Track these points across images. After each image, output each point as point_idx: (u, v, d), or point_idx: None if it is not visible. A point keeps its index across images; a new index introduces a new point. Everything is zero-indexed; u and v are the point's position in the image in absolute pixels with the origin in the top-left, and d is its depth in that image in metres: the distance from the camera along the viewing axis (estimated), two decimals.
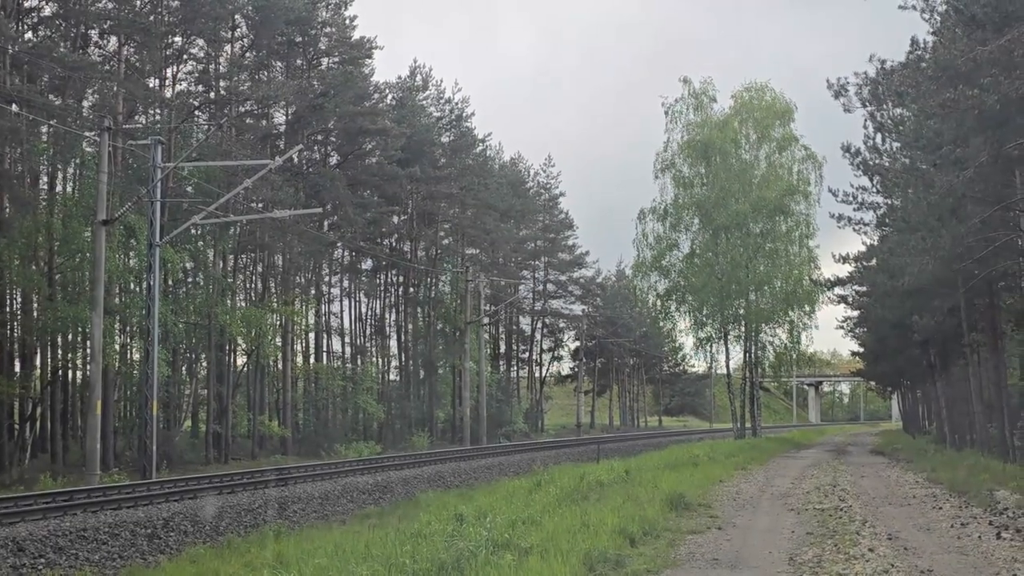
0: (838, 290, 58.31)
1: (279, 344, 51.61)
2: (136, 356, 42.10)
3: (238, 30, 48.80)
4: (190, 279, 47.40)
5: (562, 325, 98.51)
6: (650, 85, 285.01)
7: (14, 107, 33.95)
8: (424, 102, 68.01)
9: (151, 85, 43.66)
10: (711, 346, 57.39)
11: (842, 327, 73.30)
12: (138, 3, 40.75)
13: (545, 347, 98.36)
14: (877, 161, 40.24)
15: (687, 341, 75.21)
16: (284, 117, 52.23)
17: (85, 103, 40.72)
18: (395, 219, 65.58)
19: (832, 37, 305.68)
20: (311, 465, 34.46)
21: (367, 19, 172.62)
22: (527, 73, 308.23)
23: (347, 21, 55.17)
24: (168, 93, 44.45)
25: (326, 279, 61.59)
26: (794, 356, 58.43)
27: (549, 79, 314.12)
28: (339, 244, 58.17)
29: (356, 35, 55.65)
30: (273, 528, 21.17)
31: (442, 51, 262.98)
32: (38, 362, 39.61)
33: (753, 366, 57.40)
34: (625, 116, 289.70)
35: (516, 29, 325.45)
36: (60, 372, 40.61)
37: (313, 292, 58.03)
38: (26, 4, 37.51)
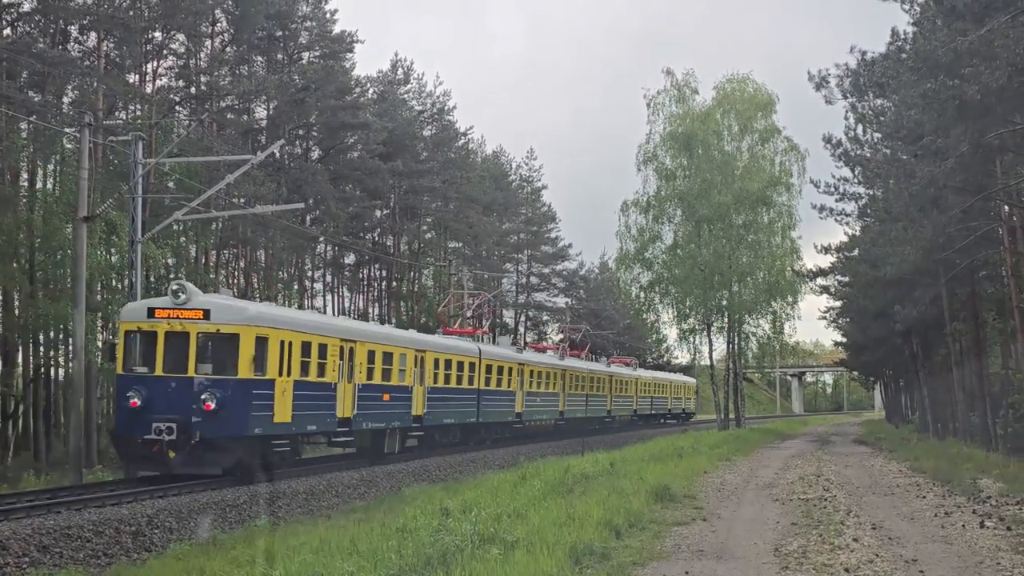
0: (820, 280, 58.81)
1: None
2: None
3: (218, 25, 48.58)
4: (172, 275, 47.13)
5: (545, 318, 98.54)
6: (634, 77, 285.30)
7: None
8: (406, 96, 67.86)
9: (131, 81, 43.41)
10: (694, 338, 57.57)
11: (825, 317, 74.00)
12: None
13: (529, 340, 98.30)
14: (858, 152, 40.44)
15: (671, 333, 75.50)
16: (265, 112, 52.04)
17: (65, 99, 40.38)
18: (378, 213, 65.35)
19: (816, 28, 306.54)
20: (296, 459, 34.31)
21: (349, 12, 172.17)
22: (511, 65, 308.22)
23: (328, 15, 55.08)
24: (148, 89, 44.24)
25: (309, 274, 61.43)
26: (777, 347, 58.64)
27: (533, 71, 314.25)
28: (322, 239, 57.97)
29: (337, 29, 55.63)
30: (259, 524, 21.10)
31: (425, 44, 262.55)
32: (20, 360, 39.34)
33: (736, 357, 57.57)
34: (610, 108, 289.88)
35: (503, 19, 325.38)
36: (42, 370, 40.31)
37: (296, 287, 57.77)
38: (4, 0, 37.20)
